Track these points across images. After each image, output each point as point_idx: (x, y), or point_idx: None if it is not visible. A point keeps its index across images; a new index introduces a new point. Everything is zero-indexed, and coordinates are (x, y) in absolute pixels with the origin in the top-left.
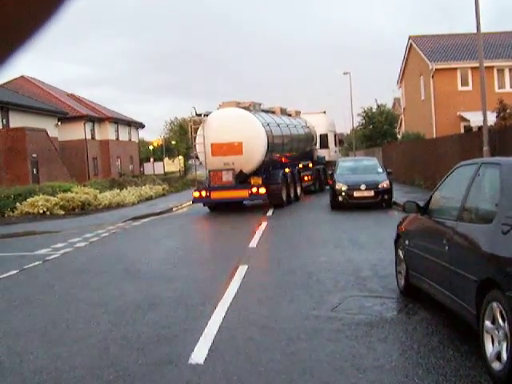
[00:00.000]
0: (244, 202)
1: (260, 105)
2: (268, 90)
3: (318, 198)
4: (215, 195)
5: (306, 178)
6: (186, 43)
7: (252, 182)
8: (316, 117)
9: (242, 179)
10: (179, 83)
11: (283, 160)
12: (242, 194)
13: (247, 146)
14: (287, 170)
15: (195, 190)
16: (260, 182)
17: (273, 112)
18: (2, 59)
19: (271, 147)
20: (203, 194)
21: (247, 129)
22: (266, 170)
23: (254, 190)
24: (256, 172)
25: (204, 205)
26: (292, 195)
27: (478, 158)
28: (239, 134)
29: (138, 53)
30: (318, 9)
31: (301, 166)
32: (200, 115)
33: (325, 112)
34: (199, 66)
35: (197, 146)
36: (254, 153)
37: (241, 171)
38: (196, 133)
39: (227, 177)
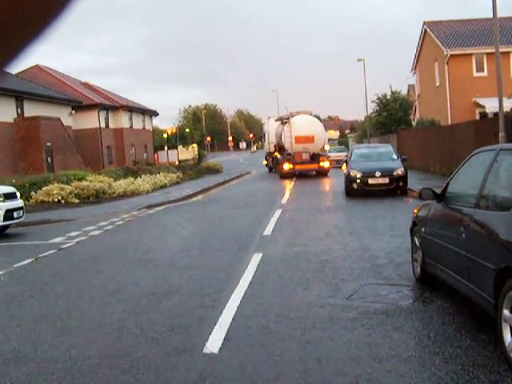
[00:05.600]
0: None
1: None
2: (279, 78)
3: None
4: (297, 167)
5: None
6: (199, 33)
7: (321, 159)
8: None
9: (313, 158)
10: (192, 72)
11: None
12: (314, 166)
13: (316, 138)
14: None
15: (283, 163)
16: (326, 159)
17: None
18: (18, 50)
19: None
20: (290, 166)
21: (316, 128)
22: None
23: (322, 164)
24: (318, 153)
25: (280, 177)
26: None
27: (495, 145)
28: (311, 131)
29: (151, 42)
30: None
31: None
32: (288, 118)
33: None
34: (210, 55)
35: (284, 137)
36: (320, 142)
37: (313, 153)
38: (283, 129)
39: (305, 156)
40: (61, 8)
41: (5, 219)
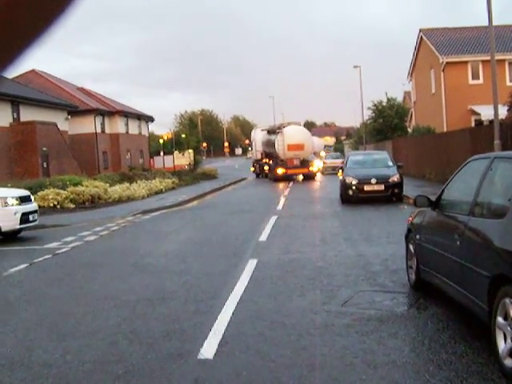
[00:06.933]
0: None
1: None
2: (275, 84)
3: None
4: (290, 171)
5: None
6: (195, 39)
7: (310, 164)
8: None
9: (303, 163)
10: (188, 77)
11: None
12: (304, 170)
13: (306, 146)
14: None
15: (278, 168)
16: (314, 164)
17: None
18: (16, 55)
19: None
20: (284, 171)
21: (305, 137)
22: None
23: (311, 168)
24: (307, 159)
25: (274, 180)
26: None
27: (490, 152)
28: (302, 139)
29: (147, 47)
30: (324, 4)
31: None
32: (280, 128)
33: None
34: (206, 60)
35: (278, 145)
36: (309, 149)
37: (303, 159)
38: (277, 138)
39: (296, 162)
40: (60, 13)
41: (21, 222)
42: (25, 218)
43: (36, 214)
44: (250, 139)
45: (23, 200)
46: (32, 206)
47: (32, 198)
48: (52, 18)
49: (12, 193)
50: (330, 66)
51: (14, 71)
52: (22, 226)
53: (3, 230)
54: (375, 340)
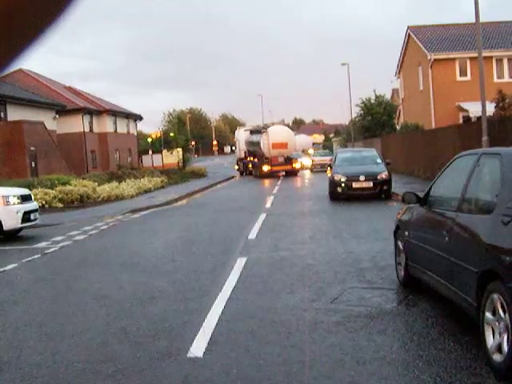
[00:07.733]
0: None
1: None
2: (263, 82)
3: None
4: (274, 168)
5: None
6: (182, 38)
7: (293, 161)
8: None
9: (287, 160)
10: (176, 76)
11: None
12: (288, 167)
13: (289, 144)
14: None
15: (263, 165)
16: (297, 162)
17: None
18: (15, 55)
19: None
20: (269, 168)
21: (289, 136)
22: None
23: (294, 165)
24: (291, 157)
25: (260, 177)
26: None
27: (477, 149)
28: (285, 138)
29: (134, 46)
30: (311, 3)
31: None
32: (265, 128)
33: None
34: (194, 58)
35: (263, 144)
36: (292, 147)
37: (287, 157)
38: (262, 137)
39: (280, 159)
40: (61, 12)
41: (23, 221)
42: (26, 216)
43: (37, 213)
44: (234, 139)
45: (24, 199)
46: (33, 204)
47: (32, 196)
48: (52, 18)
49: (14, 191)
50: (319, 64)
51: (7, 71)
52: (24, 224)
53: (5, 228)
54: (364, 337)
